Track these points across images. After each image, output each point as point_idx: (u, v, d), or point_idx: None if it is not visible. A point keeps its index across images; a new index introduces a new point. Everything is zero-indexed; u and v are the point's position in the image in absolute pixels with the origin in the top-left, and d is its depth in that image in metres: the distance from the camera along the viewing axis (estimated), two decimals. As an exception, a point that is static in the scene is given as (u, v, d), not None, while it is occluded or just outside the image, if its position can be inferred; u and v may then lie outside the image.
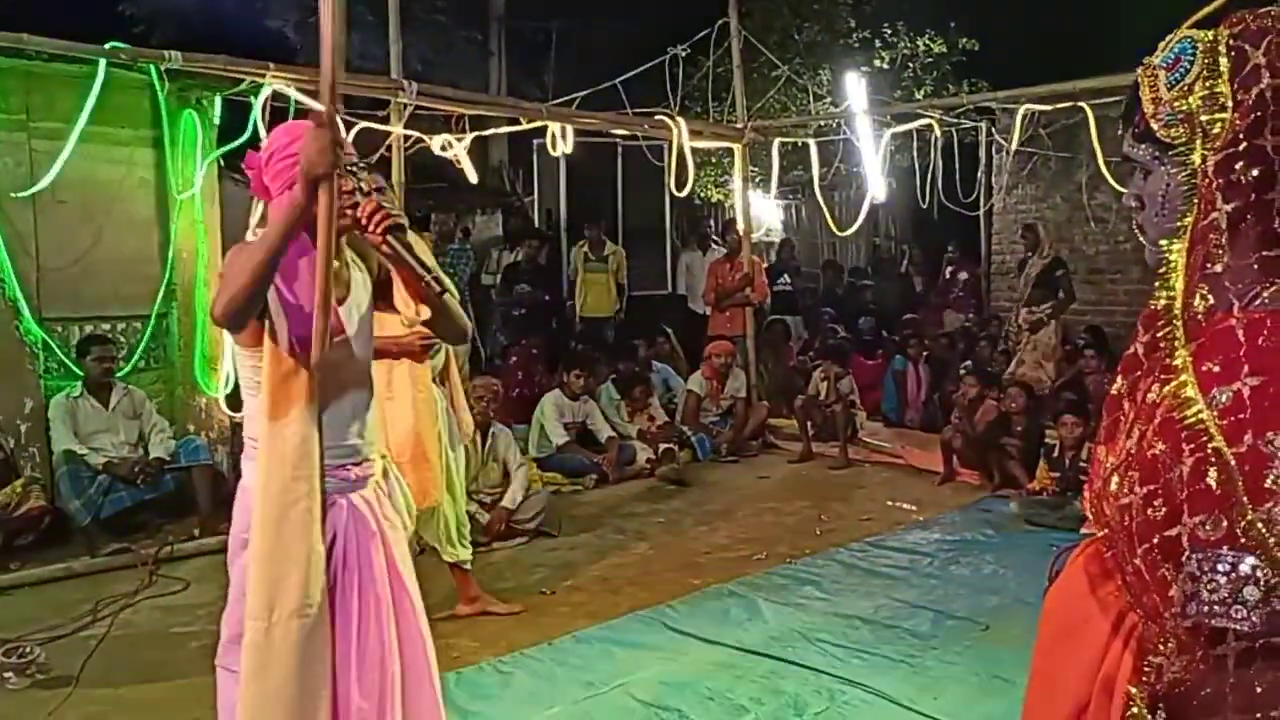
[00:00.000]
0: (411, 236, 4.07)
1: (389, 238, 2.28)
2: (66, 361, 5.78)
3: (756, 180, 10.26)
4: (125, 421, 5.81)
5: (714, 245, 10.41)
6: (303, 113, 5.85)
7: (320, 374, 2.29)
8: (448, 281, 2.50)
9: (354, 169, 2.31)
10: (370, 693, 2.36)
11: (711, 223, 11.71)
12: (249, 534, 2.32)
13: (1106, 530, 1.30)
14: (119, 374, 5.87)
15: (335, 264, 2.33)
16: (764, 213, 12.25)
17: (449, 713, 3.59)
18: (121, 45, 5.55)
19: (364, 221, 2.29)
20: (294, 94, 5.90)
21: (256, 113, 5.81)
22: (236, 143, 5.79)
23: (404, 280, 2.40)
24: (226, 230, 6.20)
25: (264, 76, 5.77)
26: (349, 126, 6.25)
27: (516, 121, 7.79)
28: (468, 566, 4.57)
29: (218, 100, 6.06)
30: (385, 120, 6.39)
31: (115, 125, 5.84)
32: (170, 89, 5.78)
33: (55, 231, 5.75)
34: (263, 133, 5.78)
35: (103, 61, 5.37)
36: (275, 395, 2.28)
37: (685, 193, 8.67)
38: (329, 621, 2.32)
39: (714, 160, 12.13)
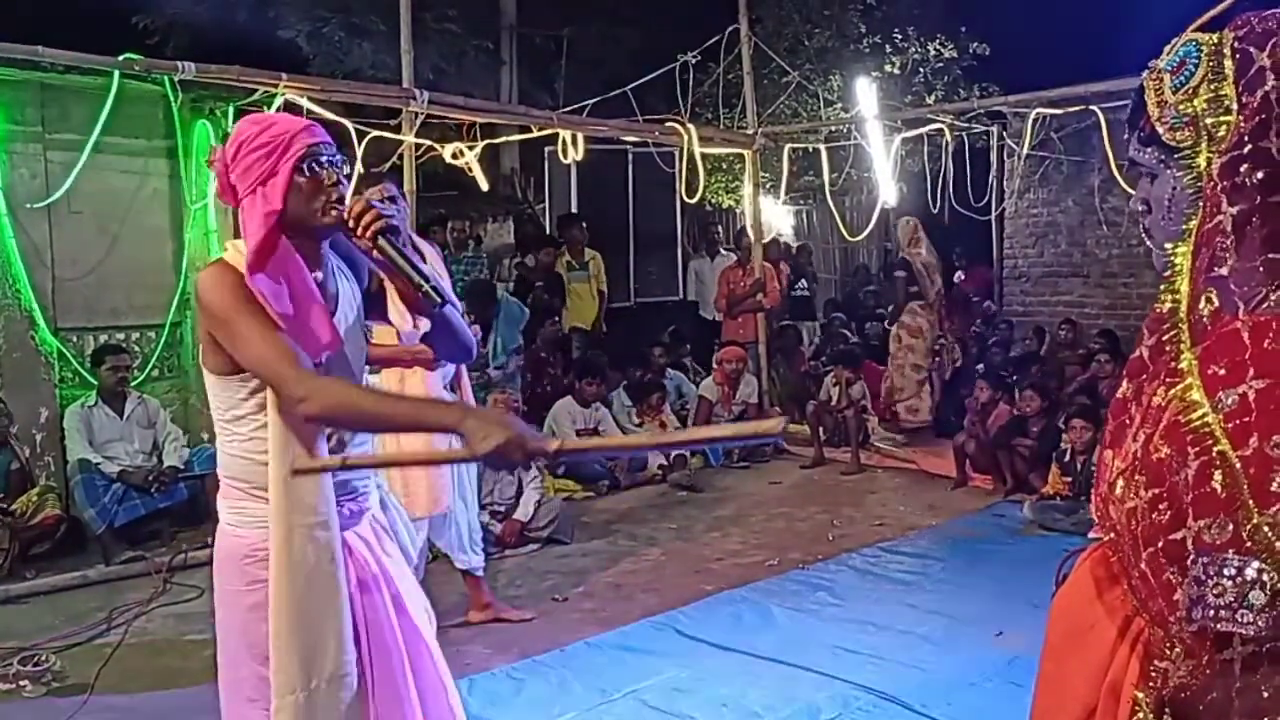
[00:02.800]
0: (423, 246, 4.09)
1: (379, 241, 1.98)
2: (81, 371, 5.83)
3: (767, 186, 10.25)
4: (140, 430, 5.84)
5: (722, 252, 10.38)
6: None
7: None
8: (448, 292, 2.17)
9: (335, 161, 2.03)
10: None
11: (719, 229, 11.70)
12: (257, 594, 2.03)
13: (1113, 534, 1.30)
14: (133, 383, 5.91)
15: (319, 273, 2.07)
16: (775, 218, 12.25)
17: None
18: (135, 56, 5.59)
19: (351, 223, 1.99)
20: (306, 104, 5.93)
21: (269, 123, 5.84)
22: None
23: (398, 290, 2.10)
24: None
25: (277, 86, 5.81)
26: (361, 136, 6.29)
27: (528, 129, 7.82)
28: (480, 573, 4.58)
29: (231, 110, 6.09)
30: (397, 129, 6.42)
31: (129, 136, 5.89)
32: (184, 100, 5.82)
33: (70, 242, 5.79)
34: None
35: (116, 73, 5.41)
36: (288, 432, 1.98)
37: (696, 199, 8.68)
38: (361, 679, 2.09)
39: (725, 166, 12.14)
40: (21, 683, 3.99)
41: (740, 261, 9.24)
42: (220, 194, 2.08)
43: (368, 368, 4.21)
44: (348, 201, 2.02)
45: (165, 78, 5.63)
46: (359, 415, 1.95)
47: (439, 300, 2.04)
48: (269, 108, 5.83)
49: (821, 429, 8.02)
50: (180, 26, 11.02)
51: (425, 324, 2.16)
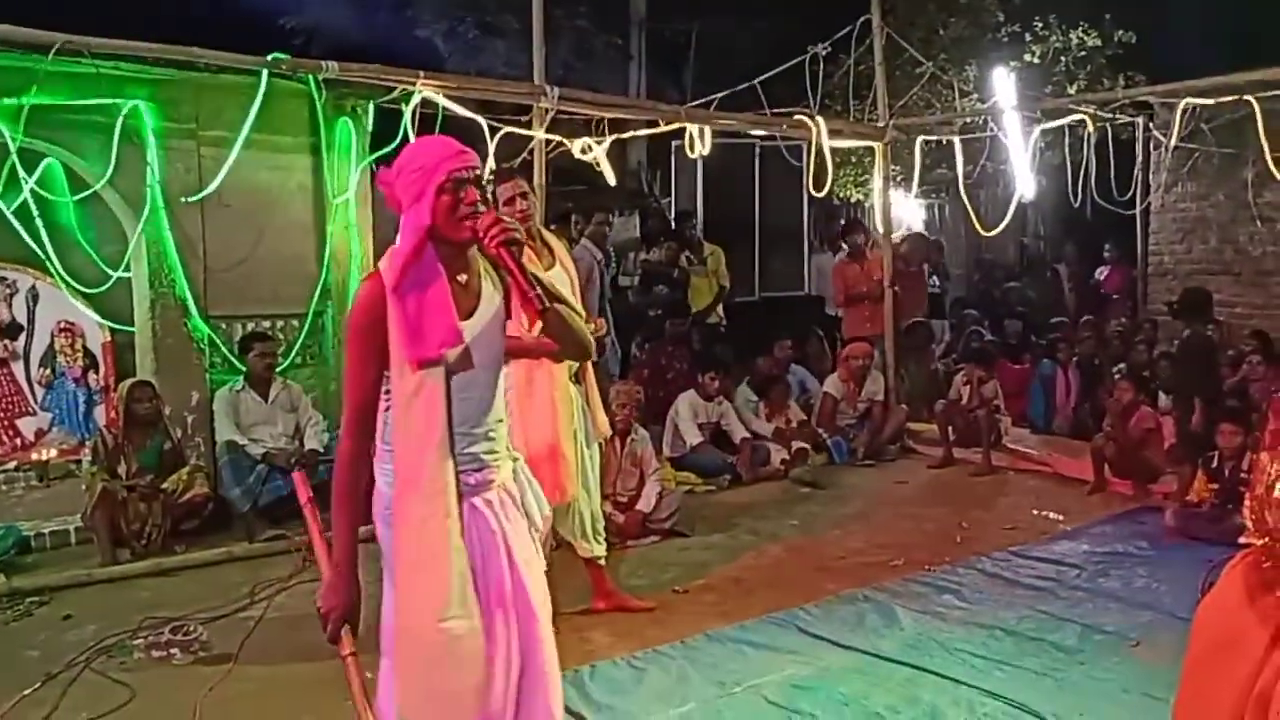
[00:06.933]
0: (554, 245, 4.15)
1: (501, 250, 2.36)
2: (230, 357, 6.12)
3: (898, 179, 10.05)
4: (283, 414, 6.10)
5: (844, 246, 10.23)
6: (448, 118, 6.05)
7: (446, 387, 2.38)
8: (569, 297, 2.61)
9: (481, 180, 2.42)
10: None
11: (841, 223, 11.53)
12: (384, 539, 2.47)
13: (1268, 539, 1.24)
14: (278, 369, 6.17)
15: (464, 276, 2.44)
16: (905, 213, 12.02)
17: (584, 705, 3.67)
18: (282, 56, 5.84)
19: (480, 235, 2.37)
20: (442, 100, 6.09)
21: (407, 119, 6.02)
22: (389, 148, 6.00)
23: (517, 292, 2.43)
24: (378, 233, 6.45)
25: (414, 84, 5.98)
26: (493, 132, 6.42)
27: (655, 124, 7.84)
28: (602, 563, 4.63)
29: (371, 108, 6.31)
30: (528, 125, 6.53)
31: (276, 133, 6.13)
32: (327, 98, 6.05)
33: (221, 234, 6.09)
34: (413, 139, 5.99)
35: (265, 72, 5.66)
36: (407, 412, 2.37)
37: (824, 193, 8.57)
38: (480, 620, 2.39)
39: (854, 159, 11.96)
40: (172, 650, 4.24)
41: (853, 256, 9.05)
42: (390, 206, 2.46)
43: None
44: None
45: (310, 77, 5.86)
46: (334, 490, 2.44)
47: (545, 305, 2.38)
48: (406, 104, 6.01)
49: (951, 428, 7.84)
50: (324, 27, 11.46)
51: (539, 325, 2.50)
